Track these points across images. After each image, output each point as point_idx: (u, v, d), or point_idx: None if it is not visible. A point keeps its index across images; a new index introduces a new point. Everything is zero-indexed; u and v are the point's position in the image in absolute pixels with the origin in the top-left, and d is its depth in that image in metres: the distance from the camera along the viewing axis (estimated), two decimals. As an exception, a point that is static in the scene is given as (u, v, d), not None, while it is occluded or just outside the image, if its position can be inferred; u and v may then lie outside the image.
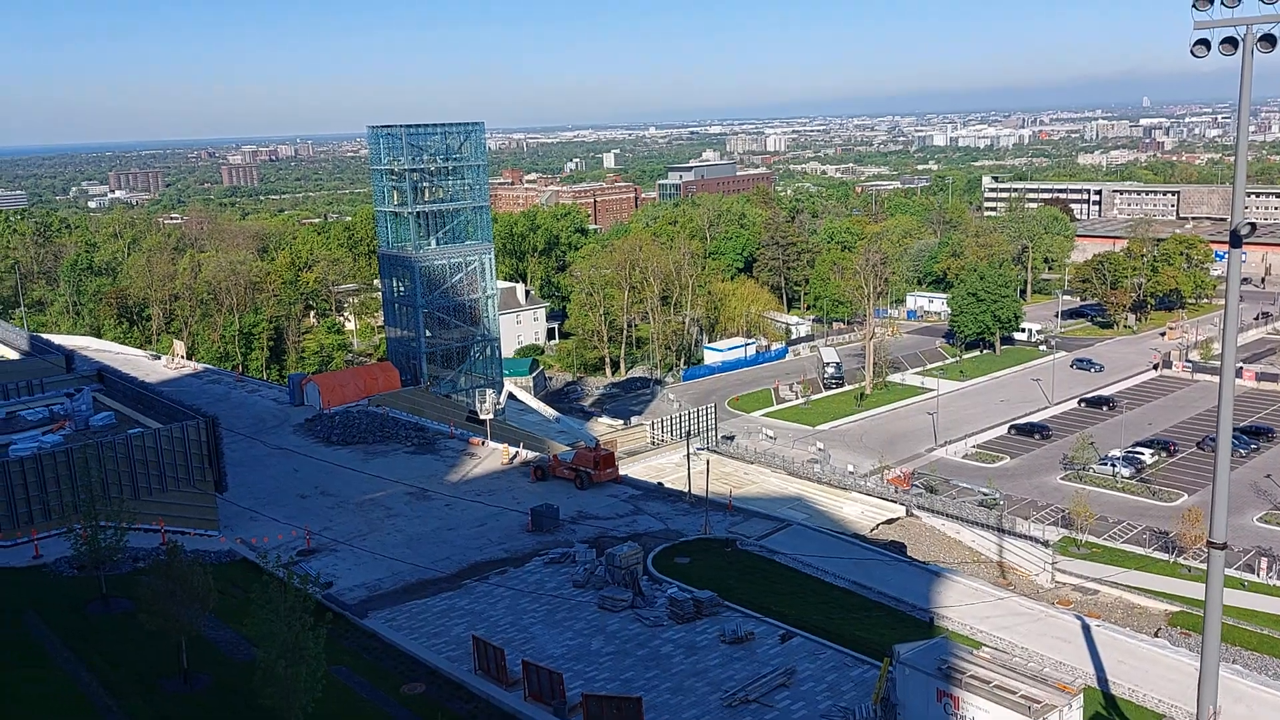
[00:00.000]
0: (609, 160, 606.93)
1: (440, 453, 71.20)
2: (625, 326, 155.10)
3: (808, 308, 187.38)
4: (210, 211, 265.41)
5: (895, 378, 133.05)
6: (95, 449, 47.80)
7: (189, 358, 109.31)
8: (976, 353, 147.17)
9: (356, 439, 73.29)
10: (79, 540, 38.07)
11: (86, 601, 38.71)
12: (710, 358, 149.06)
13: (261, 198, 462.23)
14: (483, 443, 72.87)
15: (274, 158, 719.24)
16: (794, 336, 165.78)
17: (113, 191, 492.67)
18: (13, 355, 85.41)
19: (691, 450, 71.54)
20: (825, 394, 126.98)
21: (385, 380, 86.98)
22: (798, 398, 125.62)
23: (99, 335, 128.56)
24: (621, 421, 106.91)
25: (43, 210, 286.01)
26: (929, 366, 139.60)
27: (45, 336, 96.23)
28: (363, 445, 72.33)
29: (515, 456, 69.66)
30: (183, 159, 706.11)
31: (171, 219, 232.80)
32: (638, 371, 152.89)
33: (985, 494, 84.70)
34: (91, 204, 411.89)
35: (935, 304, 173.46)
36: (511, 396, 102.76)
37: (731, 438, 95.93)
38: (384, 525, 56.17)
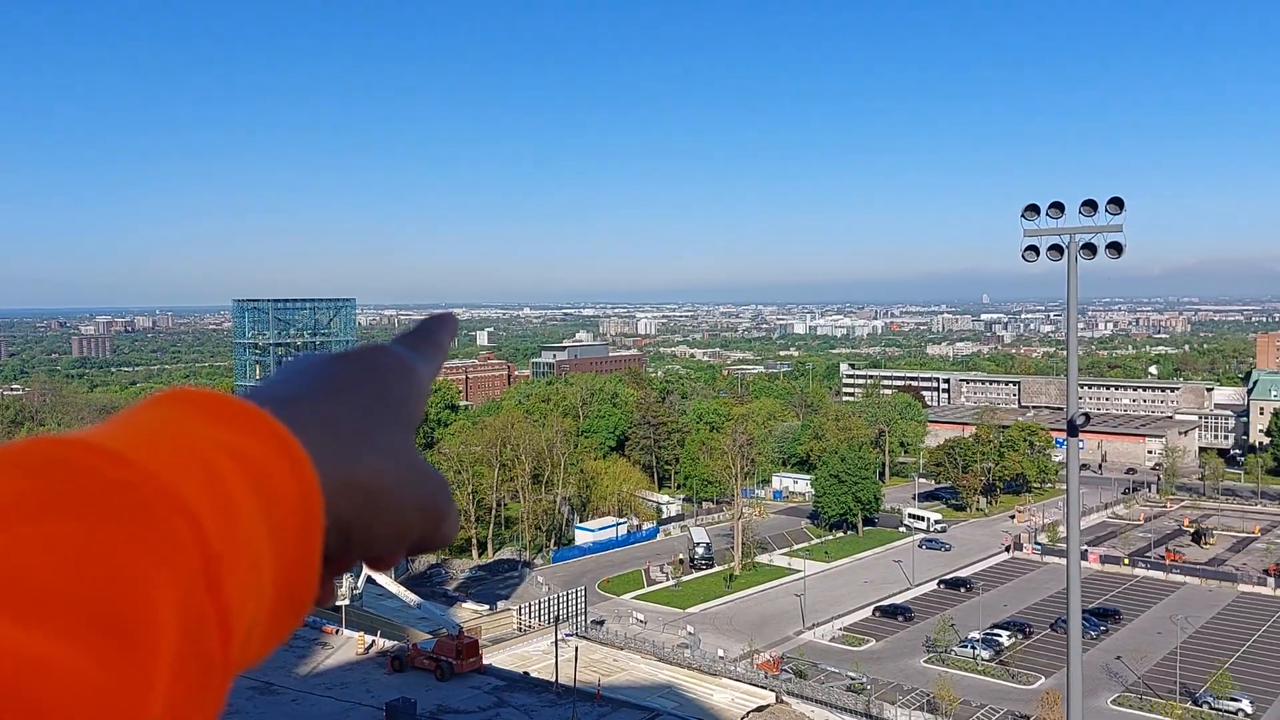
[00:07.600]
0: (482, 338, 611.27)
1: (288, 641, 66.61)
2: (494, 505, 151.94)
3: (678, 486, 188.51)
4: (56, 383, 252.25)
5: (763, 558, 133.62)
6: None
7: None
8: (840, 534, 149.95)
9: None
10: None
11: None
12: (581, 538, 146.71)
13: (114, 369, 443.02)
14: (336, 631, 68.76)
15: (130, 329, 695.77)
16: (665, 516, 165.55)
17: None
18: None
19: (559, 636, 69.21)
20: (695, 575, 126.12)
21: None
22: (668, 579, 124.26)
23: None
24: (487, 606, 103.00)
25: None
26: (795, 547, 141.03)
27: None
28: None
29: (372, 645, 65.95)
30: (30, 328, 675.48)
31: (12, 390, 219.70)
32: (506, 553, 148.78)
33: (853, 678, 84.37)
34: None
35: (800, 484, 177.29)
36: (370, 580, 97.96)
37: (601, 622, 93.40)
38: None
